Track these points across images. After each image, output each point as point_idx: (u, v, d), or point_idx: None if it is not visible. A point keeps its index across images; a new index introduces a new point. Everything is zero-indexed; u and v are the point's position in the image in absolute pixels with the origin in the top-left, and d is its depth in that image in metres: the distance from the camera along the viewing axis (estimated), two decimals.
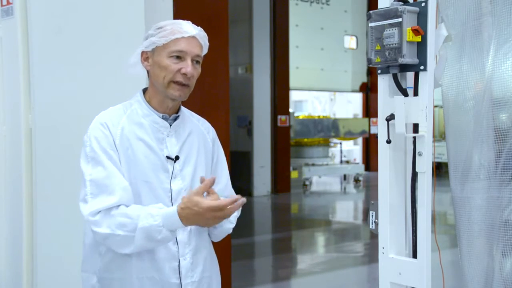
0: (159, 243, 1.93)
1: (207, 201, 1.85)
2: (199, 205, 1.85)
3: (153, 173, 2.02)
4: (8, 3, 3.21)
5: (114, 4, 3.32)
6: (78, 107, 3.13)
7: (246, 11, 12.88)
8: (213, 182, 1.90)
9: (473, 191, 1.90)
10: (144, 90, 2.13)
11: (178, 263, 2.03)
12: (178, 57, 2.00)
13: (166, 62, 2.00)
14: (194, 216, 1.87)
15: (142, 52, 2.07)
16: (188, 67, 2.00)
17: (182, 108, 2.16)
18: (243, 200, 1.89)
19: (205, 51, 2.10)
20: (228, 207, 1.87)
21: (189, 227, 2.04)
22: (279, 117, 13.25)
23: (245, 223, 9.14)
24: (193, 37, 2.02)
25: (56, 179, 3.10)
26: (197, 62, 2.05)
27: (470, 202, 1.91)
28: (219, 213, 1.86)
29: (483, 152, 1.87)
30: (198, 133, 2.18)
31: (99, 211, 1.93)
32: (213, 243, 2.23)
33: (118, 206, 1.93)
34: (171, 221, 1.88)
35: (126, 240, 1.91)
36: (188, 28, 2.03)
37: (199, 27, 2.07)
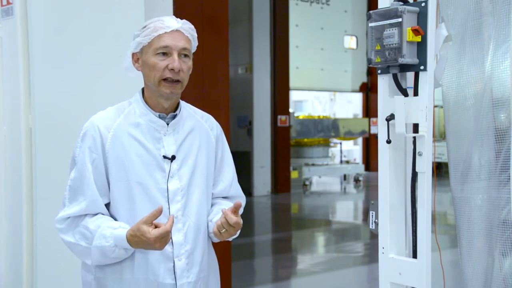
0: (115, 259, 1.98)
1: (153, 232, 1.86)
2: (146, 235, 1.86)
3: (148, 173, 2.01)
4: (8, 3, 3.21)
5: (114, 4, 3.32)
6: (78, 107, 3.12)
7: (246, 11, 12.89)
8: (160, 212, 1.88)
9: (473, 191, 1.90)
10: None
11: (173, 264, 2.02)
12: (164, 54, 1.98)
13: (153, 60, 1.98)
14: (144, 244, 1.89)
15: (133, 54, 2.06)
16: (174, 62, 1.97)
17: (182, 105, 2.13)
18: (172, 215, 1.91)
19: (194, 44, 2.07)
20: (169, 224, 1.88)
21: (185, 228, 2.04)
22: (279, 117, 13.26)
23: (245, 223, 9.09)
24: (177, 31, 2.00)
25: (56, 179, 3.09)
26: (186, 55, 2.02)
27: (470, 202, 1.91)
28: (165, 238, 1.88)
29: (483, 152, 1.87)
30: (200, 130, 2.15)
31: (67, 218, 2.00)
32: (213, 243, 2.22)
33: (85, 216, 1.99)
34: (122, 243, 1.93)
35: (87, 251, 1.97)
36: (170, 22, 2.00)
37: (183, 20, 2.05)
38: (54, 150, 3.12)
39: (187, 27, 2.04)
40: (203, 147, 2.14)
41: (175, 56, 1.98)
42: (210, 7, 4.62)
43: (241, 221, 2.00)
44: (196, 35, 2.08)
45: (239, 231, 2.05)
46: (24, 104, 3.15)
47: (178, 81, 2.00)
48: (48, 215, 3.09)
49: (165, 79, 1.98)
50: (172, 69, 1.97)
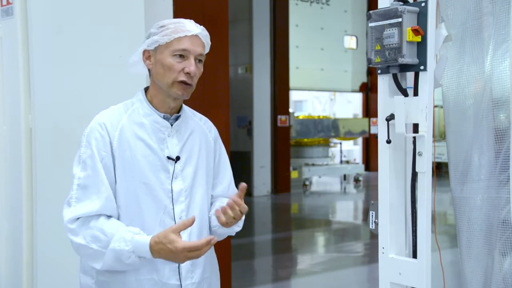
0: (127, 266, 1.92)
1: (182, 242, 1.84)
2: (173, 243, 1.83)
3: (153, 173, 2.01)
4: (8, 3, 3.21)
5: (114, 4, 3.32)
6: (78, 107, 3.13)
7: (246, 11, 12.89)
8: (192, 222, 1.88)
9: (472, 191, 1.90)
10: (146, 89, 2.11)
11: (178, 264, 2.02)
12: (181, 56, 1.98)
13: (169, 61, 1.98)
14: (167, 252, 1.86)
15: (144, 51, 2.05)
16: (191, 66, 1.98)
17: (184, 107, 2.14)
18: (215, 239, 1.87)
19: (207, 50, 2.08)
20: (203, 248, 1.84)
21: (189, 228, 2.02)
22: (279, 117, 13.26)
23: (245, 223, 9.11)
24: (196, 36, 2.01)
25: (56, 179, 3.10)
26: (200, 61, 2.04)
27: (470, 202, 1.91)
28: (193, 253, 1.85)
29: (483, 152, 1.87)
30: (200, 132, 2.16)
31: (78, 218, 1.94)
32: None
33: (99, 216, 1.94)
34: (141, 250, 1.88)
35: (97, 254, 1.91)
36: (191, 27, 2.01)
37: (202, 26, 2.06)
38: (54, 150, 3.12)
39: (204, 34, 2.05)
40: (203, 148, 2.15)
41: (192, 60, 1.99)
42: (210, 7, 4.63)
43: (246, 208, 1.99)
44: (210, 42, 2.09)
45: (242, 222, 2.06)
46: (24, 104, 3.15)
47: (190, 84, 2.01)
48: (48, 215, 3.10)
49: (179, 81, 1.99)
50: (188, 73, 1.98)
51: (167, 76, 1.99)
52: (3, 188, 3.34)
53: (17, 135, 3.19)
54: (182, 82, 1.99)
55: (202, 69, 2.06)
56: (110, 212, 1.96)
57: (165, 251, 1.85)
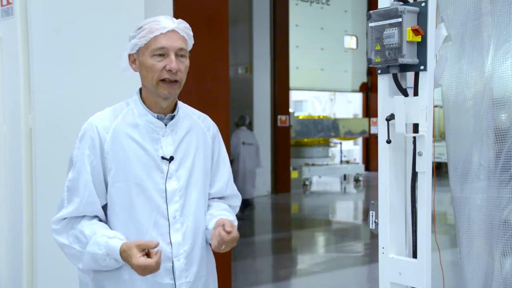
0: (105, 267, 1.97)
1: (137, 259, 1.85)
2: (132, 258, 1.86)
3: (146, 174, 2.01)
4: (8, 3, 3.21)
5: (114, 4, 3.31)
6: (78, 106, 3.12)
7: (246, 11, 12.89)
8: (155, 246, 1.88)
9: (472, 191, 1.90)
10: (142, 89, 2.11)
11: (172, 264, 2.02)
12: (161, 55, 1.98)
13: (150, 62, 1.98)
14: (129, 263, 1.89)
15: (129, 55, 2.06)
16: (171, 63, 1.97)
17: (180, 105, 2.13)
18: (160, 251, 1.88)
19: (190, 42, 2.06)
20: (156, 265, 1.86)
21: (184, 228, 2.04)
22: (279, 117, 13.26)
23: (245, 223, 9.16)
24: (173, 31, 1.99)
25: (56, 179, 3.09)
26: (182, 55, 2.01)
27: (470, 202, 1.91)
28: (146, 270, 1.86)
29: (483, 152, 1.87)
30: (197, 130, 2.15)
31: (64, 219, 1.99)
32: None
33: (82, 218, 1.99)
34: (114, 253, 1.92)
35: (79, 255, 1.97)
36: (166, 23, 1.99)
37: (179, 19, 2.04)
38: (54, 150, 3.12)
39: (182, 27, 2.03)
40: (200, 147, 2.14)
41: (172, 56, 1.98)
42: (210, 7, 4.62)
43: (236, 234, 2.01)
44: (191, 33, 2.07)
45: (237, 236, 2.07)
46: (24, 104, 3.15)
47: (176, 81, 2.00)
48: (48, 215, 3.08)
49: (163, 80, 1.98)
50: (169, 70, 1.97)
51: (150, 77, 1.99)
52: (3, 188, 3.34)
53: (17, 135, 3.19)
54: (166, 80, 1.98)
55: (187, 63, 2.04)
56: (91, 214, 2.00)
57: (128, 261, 1.89)
